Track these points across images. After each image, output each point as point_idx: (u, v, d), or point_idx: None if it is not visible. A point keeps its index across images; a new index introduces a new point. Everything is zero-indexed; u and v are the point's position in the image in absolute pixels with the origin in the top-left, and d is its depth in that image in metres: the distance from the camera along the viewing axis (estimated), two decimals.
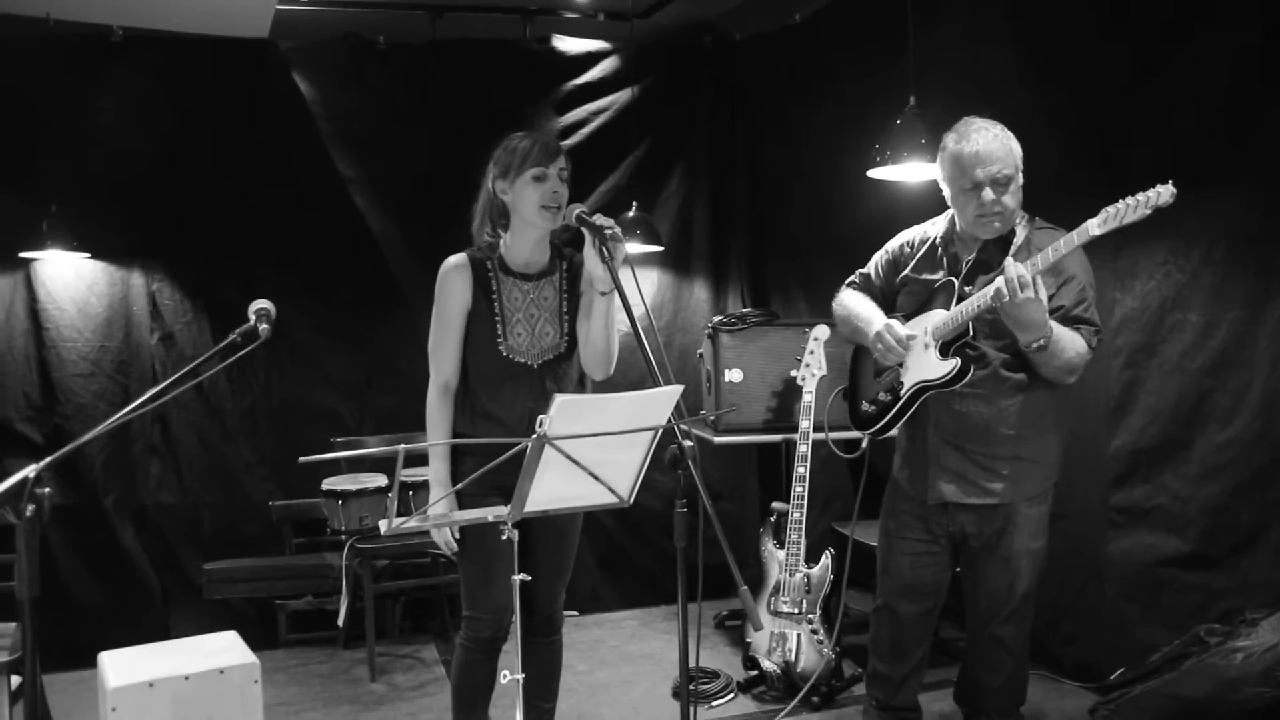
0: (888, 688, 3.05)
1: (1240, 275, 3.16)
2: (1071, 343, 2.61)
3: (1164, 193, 2.31)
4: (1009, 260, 2.49)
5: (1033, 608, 2.92)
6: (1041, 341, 2.53)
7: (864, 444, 3.26)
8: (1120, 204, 2.36)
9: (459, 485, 2.34)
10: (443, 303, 2.68)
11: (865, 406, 3.01)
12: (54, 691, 3.82)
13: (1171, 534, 3.36)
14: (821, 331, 3.78)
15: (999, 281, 2.48)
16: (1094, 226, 2.40)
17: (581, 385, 2.81)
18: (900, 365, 2.85)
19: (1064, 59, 3.58)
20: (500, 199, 2.67)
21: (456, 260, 2.69)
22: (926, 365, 2.77)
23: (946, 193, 2.78)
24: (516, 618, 2.28)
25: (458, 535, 2.67)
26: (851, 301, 3.03)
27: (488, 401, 2.66)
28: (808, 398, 3.73)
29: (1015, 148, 2.67)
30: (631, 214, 4.63)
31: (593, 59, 5.02)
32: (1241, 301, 3.15)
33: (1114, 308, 3.43)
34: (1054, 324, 2.56)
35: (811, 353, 3.77)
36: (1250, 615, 2.97)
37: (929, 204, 3.17)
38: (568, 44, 5.00)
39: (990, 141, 2.63)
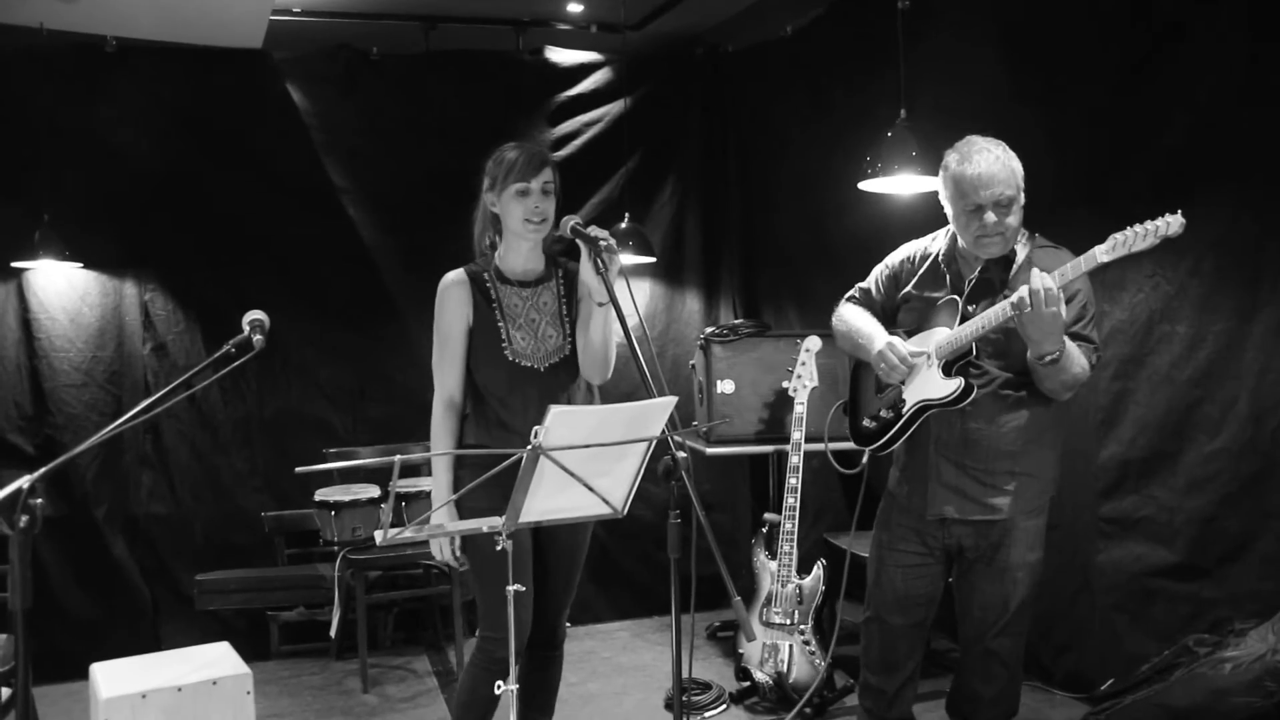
0: (881, 700, 3.05)
1: (1227, 287, 3.18)
2: (1078, 358, 2.62)
3: (1173, 223, 2.32)
4: (1035, 271, 2.50)
5: (1028, 620, 2.92)
6: (1055, 355, 2.54)
7: (864, 459, 3.27)
8: (1129, 231, 2.37)
9: (454, 495, 2.34)
10: (443, 318, 2.71)
11: (866, 423, 3.01)
12: (45, 703, 3.81)
13: (1160, 544, 3.38)
14: (813, 343, 3.80)
15: (1022, 291, 2.48)
16: (1101, 253, 2.41)
17: (590, 394, 2.83)
18: (902, 383, 2.86)
19: (1054, 71, 3.61)
20: (491, 210, 2.71)
21: (454, 276, 2.73)
22: (929, 384, 2.77)
23: (948, 211, 2.79)
24: (510, 629, 2.27)
25: (459, 551, 2.67)
26: (852, 316, 3.03)
27: (500, 410, 2.67)
28: (799, 409, 3.74)
29: (1017, 168, 2.67)
30: (624, 225, 4.65)
31: (585, 70, 5.05)
32: (1228, 313, 3.18)
33: (1103, 320, 3.45)
34: (1065, 338, 2.57)
35: (803, 364, 3.79)
36: (1239, 625, 2.99)
37: (920, 216, 3.20)
38: (560, 55, 5.02)
39: (992, 164, 2.63)
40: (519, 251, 2.72)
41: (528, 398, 2.67)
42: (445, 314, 2.70)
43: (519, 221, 2.65)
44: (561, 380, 2.73)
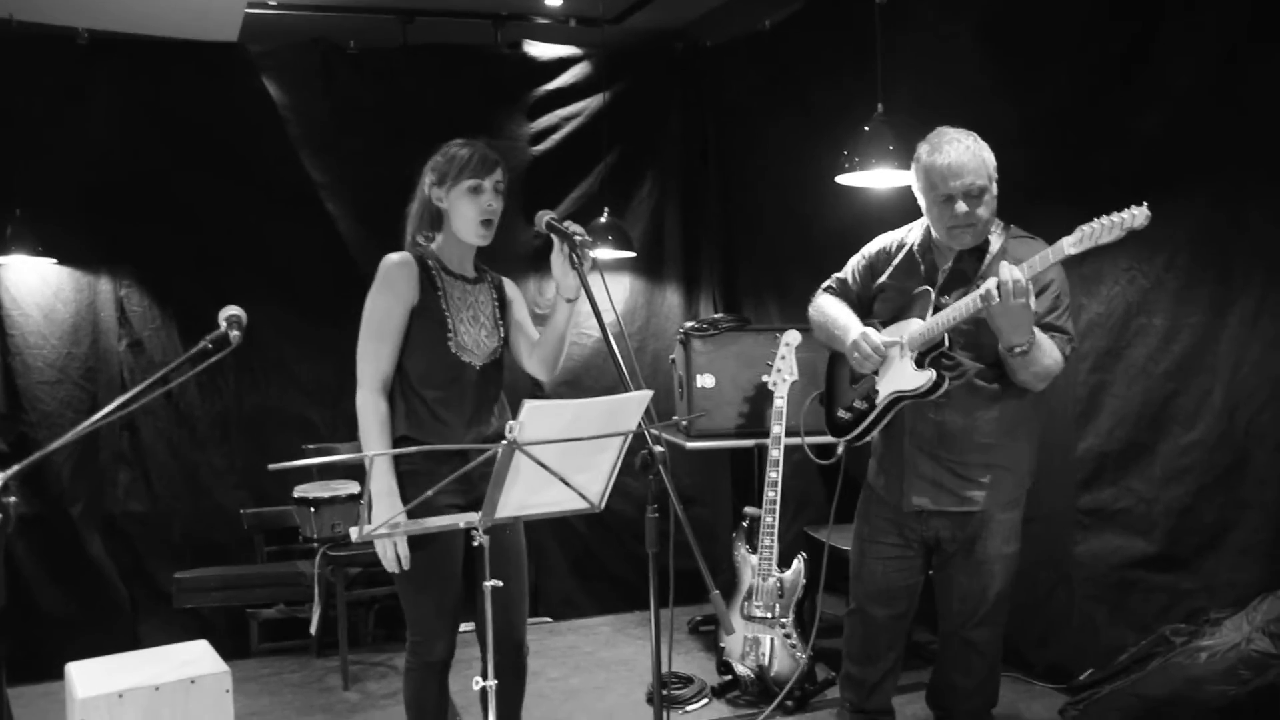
0: (861, 691, 3.07)
1: (1202, 280, 3.21)
2: (1049, 350, 2.64)
3: (1138, 215, 2.34)
4: (1004, 263, 2.51)
5: (1006, 611, 2.95)
6: (1025, 346, 2.55)
7: (839, 450, 3.28)
8: (1095, 224, 2.38)
9: (427, 494, 2.26)
10: (385, 298, 2.58)
11: (841, 414, 3.02)
12: (20, 704, 3.77)
13: (1138, 536, 3.41)
14: (793, 337, 3.80)
15: (990, 283, 2.49)
16: (1069, 245, 2.43)
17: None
18: (876, 373, 2.88)
19: (1031, 65, 3.62)
20: (435, 205, 2.65)
21: (401, 256, 2.62)
22: (902, 375, 2.79)
23: (921, 202, 2.80)
24: (489, 623, 2.26)
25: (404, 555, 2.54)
26: (828, 307, 3.04)
27: (434, 403, 2.58)
28: (779, 402, 3.75)
29: (988, 158, 2.68)
30: (603, 220, 4.64)
31: (564, 64, 5.03)
32: (1204, 306, 3.21)
33: (1080, 313, 3.47)
34: (1036, 329, 2.59)
35: (783, 358, 3.79)
36: (1214, 615, 3.02)
37: (898, 210, 3.20)
38: (539, 49, 5.01)
39: (963, 153, 2.64)
40: (459, 246, 2.67)
41: (465, 392, 2.60)
42: (388, 293, 2.58)
43: (468, 221, 2.59)
44: (497, 378, 2.69)
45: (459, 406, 2.60)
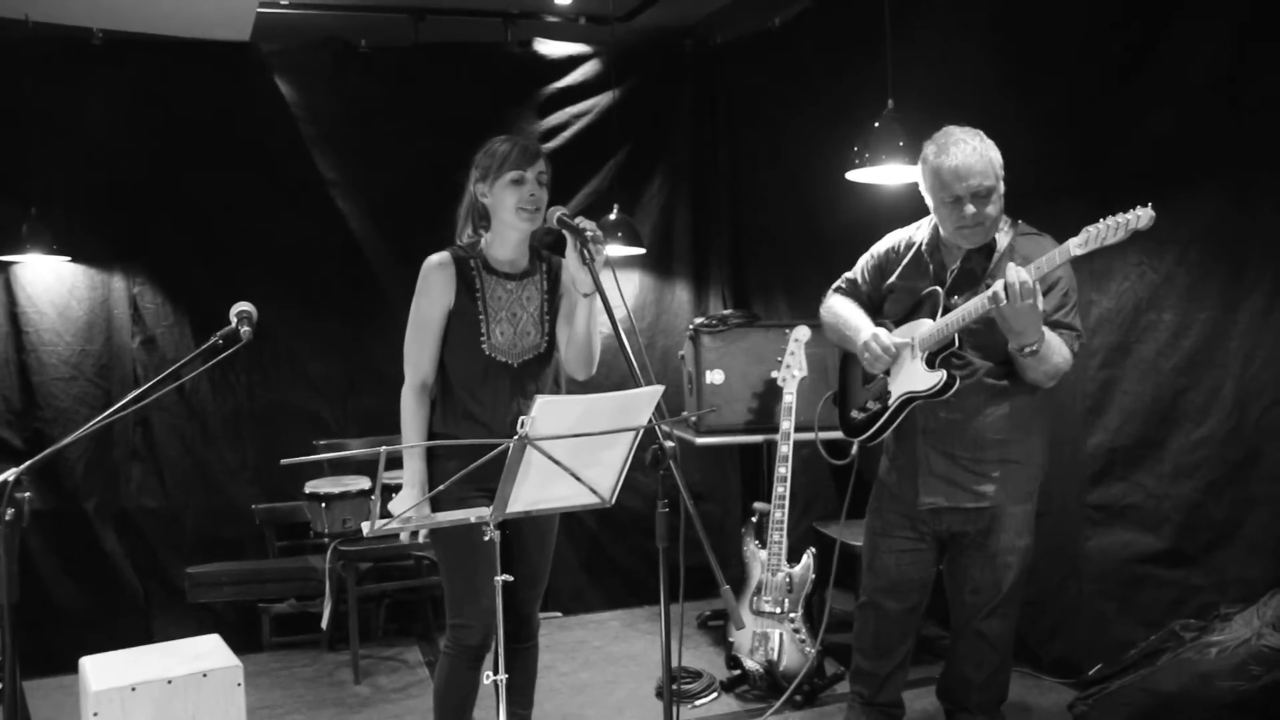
0: (872, 684, 3.08)
1: (1213, 276, 3.20)
2: (1059, 348, 2.65)
3: (1143, 216, 2.36)
4: (1011, 265, 2.52)
5: (1018, 604, 2.95)
6: (1035, 346, 2.56)
7: (853, 450, 3.29)
8: (1101, 225, 2.40)
9: (440, 488, 2.32)
10: (424, 301, 2.67)
11: (854, 414, 3.03)
12: (35, 697, 3.80)
13: (1147, 531, 3.40)
14: (802, 333, 3.81)
15: (997, 285, 2.50)
16: (1075, 247, 2.44)
17: (557, 386, 2.82)
18: (888, 374, 2.89)
19: (1041, 62, 3.61)
20: (481, 202, 2.69)
21: (440, 258, 2.68)
22: (914, 376, 2.80)
23: (929, 202, 2.80)
24: (499, 620, 2.28)
25: (425, 538, 2.64)
26: (839, 308, 3.05)
27: (469, 402, 2.65)
28: (788, 399, 3.75)
29: (995, 157, 2.68)
30: (613, 216, 4.65)
31: (574, 62, 5.05)
32: (1214, 301, 3.20)
33: (1090, 308, 3.47)
34: (1045, 328, 2.59)
35: (792, 354, 3.80)
36: (1224, 610, 3.01)
37: (908, 206, 3.20)
38: (549, 47, 5.02)
39: (969, 154, 2.64)
40: (507, 242, 2.70)
41: (499, 391, 2.66)
42: (426, 297, 2.66)
43: (512, 210, 2.63)
44: (533, 373, 2.72)
45: (492, 404, 2.66)
